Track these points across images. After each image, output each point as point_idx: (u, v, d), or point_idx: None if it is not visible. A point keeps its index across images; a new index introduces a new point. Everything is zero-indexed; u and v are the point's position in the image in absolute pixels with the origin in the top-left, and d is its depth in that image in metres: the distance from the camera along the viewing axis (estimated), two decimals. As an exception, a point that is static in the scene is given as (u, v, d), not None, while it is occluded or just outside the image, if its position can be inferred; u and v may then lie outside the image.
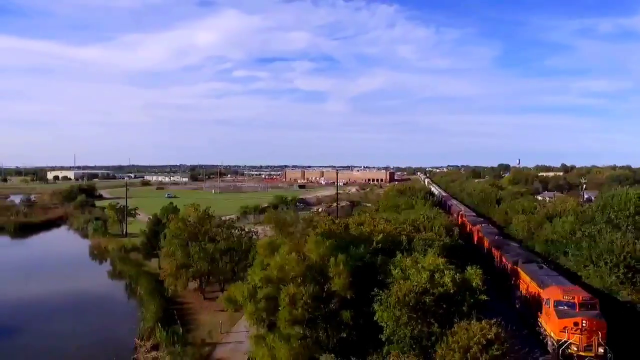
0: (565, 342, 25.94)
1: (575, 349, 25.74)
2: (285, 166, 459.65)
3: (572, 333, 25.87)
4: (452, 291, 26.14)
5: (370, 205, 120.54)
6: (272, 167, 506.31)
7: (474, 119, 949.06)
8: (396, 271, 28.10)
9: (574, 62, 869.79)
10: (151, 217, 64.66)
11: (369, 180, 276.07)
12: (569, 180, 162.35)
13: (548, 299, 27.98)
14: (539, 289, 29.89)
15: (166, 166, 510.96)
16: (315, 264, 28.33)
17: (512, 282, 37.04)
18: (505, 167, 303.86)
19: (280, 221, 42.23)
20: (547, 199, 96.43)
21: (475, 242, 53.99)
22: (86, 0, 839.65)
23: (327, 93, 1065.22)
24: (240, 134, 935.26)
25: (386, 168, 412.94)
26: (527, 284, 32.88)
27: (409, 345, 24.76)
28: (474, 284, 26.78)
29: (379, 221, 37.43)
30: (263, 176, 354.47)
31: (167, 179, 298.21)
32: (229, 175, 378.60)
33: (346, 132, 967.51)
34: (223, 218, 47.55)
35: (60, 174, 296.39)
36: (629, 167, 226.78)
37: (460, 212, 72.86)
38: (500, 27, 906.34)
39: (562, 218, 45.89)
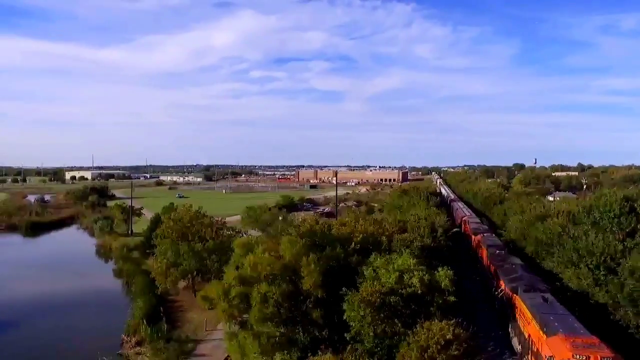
0: None
1: None
2: (302, 166, 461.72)
3: None
4: (419, 292, 26.48)
5: (376, 205, 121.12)
6: (288, 167, 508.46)
7: (491, 118, 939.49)
8: (368, 271, 28.51)
9: (594, 59, 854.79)
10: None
11: (381, 180, 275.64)
12: (581, 180, 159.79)
13: (551, 356, 20.26)
14: (541, 334, 22.32)
15: (183, 166, 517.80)
16: (288, 263, 28.89)
17: (510, 311, 29.85)
18: (520, 167, 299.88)
19: (258, 221, 42.75)
20: (557, 199, 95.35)
21: (475, 252, 49.71)
22: (107, 3, 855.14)
23: (343, 93, 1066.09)
24: (257, 134, 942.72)
25: (402, 168, 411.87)
26: (526, 320, 25.49)
27: (373, 344, 25.17)
28: (442, 285, 27.03)
29: (361, 222, 37.71)
30: (277, 176, 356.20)
31: (181, 179, 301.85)
32: (243, 175, 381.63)
33: (362, 131, 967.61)
34: (216, 218, 48.25)
35: (78, 174, 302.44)
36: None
37: (464, 218, 67.78)
38: (518, 25, 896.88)
39: (554, 219, 45.54)
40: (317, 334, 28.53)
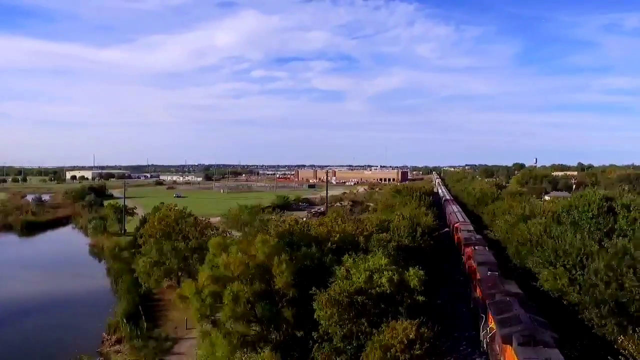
0: None
1: None
2: (303, 165, 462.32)
3: None
4: (388, 291, 26.68)
5: (372, 204, 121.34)
6: (289, 167, 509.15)
7: (493, 117, 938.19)
8: (340, 271, 28.75)
9: (596, 58, 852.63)
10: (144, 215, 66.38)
11: (380, 179, 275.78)
12: (579, 179, 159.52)
13: None
14: None
15: (184, 166, 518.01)
16: (261, 263, 29.14)
17: None
18: (520, 167, 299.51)
19: (237, 222, 43.05)
20: (548, 199, 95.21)
21: (465, 265, 42.10)
22: (109, 3, 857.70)
23: (345, 92, 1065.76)
24: (258, 133, 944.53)
25: (403, 167, 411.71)
26: None
27: (341, 343, 25.38)
28: (412, 285, 27.21)
29: (340, 222, 37.92)
30: (277, 175, 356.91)
31: (180, 179, 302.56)
32: (244, 175, 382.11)
33: (364, 131, 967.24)
34: (201, 218, 48.55)
35: (78, 173, 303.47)
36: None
37: (456, 225, 59.33)
38: (521, 24, 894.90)
39: (537, 219, 45.62)
40: (289, 333, 28.82)
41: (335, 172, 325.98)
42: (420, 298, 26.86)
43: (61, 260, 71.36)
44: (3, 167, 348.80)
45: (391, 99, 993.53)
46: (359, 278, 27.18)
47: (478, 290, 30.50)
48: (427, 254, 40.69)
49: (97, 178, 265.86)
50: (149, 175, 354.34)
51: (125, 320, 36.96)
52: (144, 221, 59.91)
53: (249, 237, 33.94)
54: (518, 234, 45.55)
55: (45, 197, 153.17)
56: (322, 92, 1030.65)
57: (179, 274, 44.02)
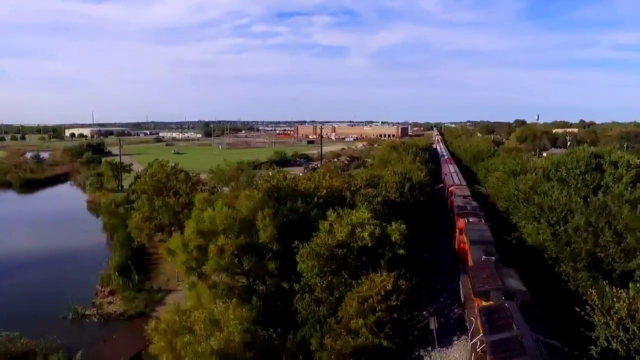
0: None
1: None
2: (304, 122, 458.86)
3: None
4: (370, 245, 27.16)
5: (369, 160, 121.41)
6: (290, 123, 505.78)
7: (496, 73, 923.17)
8: (324, 225, 29.16)
9: (605, 13, 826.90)
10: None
11: (380, 135, 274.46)
12: (579, 136, 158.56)
13: None
14: None
15: (185, 122, 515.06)
16: (245, 217, 29.56)
17: None
18: (521, 123, 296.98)
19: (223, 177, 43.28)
20: (545, 155, 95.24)
21: (457, 241, 34.39)
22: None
23: (347, 48, 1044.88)
24: (260, 90, 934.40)
25: (404, 124, 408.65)
26: None
27: (322, 294, 26.09)
28: (393, 239, 27.66)
29: (327, 177, 38.10)
30: (277, 132, 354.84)
31: (180, 136, 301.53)
32: (243, 131, 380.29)
33: (366, 87, 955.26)
34: (193, 174, 48.78)
35: (77, 131, 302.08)
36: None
37: (451, 188, 50.85)
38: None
39: (527, 176, 45.73)
40: (274, 284, 29.60)
41: (335, 128, 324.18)
42: (401, 251, 27.35)
43: (59, 217, 72.33)
44: (2, 125, 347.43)
45: (394, 55, 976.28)
46: (341, 232, 27.61)
47: (469, 283, 22.95)
48: (416, 209, 41.02)
49: (96, 136, 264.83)
50: (148, 132, 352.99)
51: (117, 273, 37.87)
52: (137, 178, 60.25)
53: (236, 192, 34.21)
54: (506, 190, 45.87)
55: (44, 154, 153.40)
56: (324, 48, 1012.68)
57: (172, 228, 44.68)
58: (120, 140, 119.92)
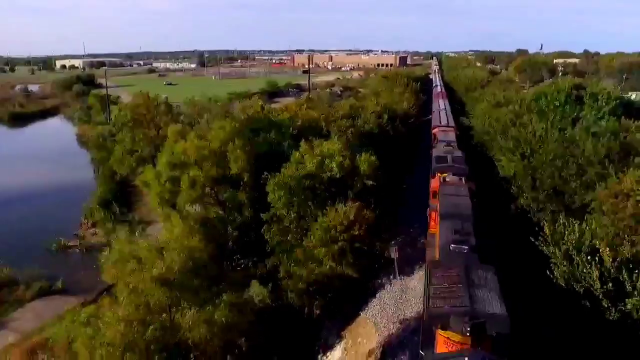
0: None
1: None
2: (302, 50, 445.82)
3: None
4: (338, 176, 27.47)
5: (363, 90, 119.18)
6: (287, 52, 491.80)
7: (500, 2, 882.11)
8: (295, 157, 29.31)
9: None
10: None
11: (378, 65, 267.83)
12: (580, 67, 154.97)
13: None
14: None
15: (179, 52, 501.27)
16: (217, 148, 29.67)
17: None
18: (523, 53, 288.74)
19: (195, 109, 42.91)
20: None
21: (429, 210, 24.75)
22: None
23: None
24: (257, 17, 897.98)
25: (405, 52, 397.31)
26: None
27: (289, 224, 26.74)
28: (362, 170, 27.92)
29: (304, 107, 37.78)
30: (273, 61, 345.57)
31: (174, 66, 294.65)
32: (239, 61, 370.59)
33: (368, 14, 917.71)
34: (175, 105, 48.31)
35: (69, 63, 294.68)
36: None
37: (434, 130, 41.55)
38: None
39: (509, 107, 45.17)
40: (250, 216, 30.24)
41: (332, 56, 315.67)
42: (369, 183, 27.71)
43: (49, 151, 72.53)
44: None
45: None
46: (311, 163, 27.82)
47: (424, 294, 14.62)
48: (396, 142, 40.90)
49: (88, 67, 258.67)
50: (141, 62, 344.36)
51: (99, 206, 38.64)
52: (120, 111, 59.69)
53: (209, 124, 34.12)
54: (489, 122, 45.52)
55: (34, 87, 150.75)
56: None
57: (154, 161, 45.00)
58: (106, 71, 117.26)
